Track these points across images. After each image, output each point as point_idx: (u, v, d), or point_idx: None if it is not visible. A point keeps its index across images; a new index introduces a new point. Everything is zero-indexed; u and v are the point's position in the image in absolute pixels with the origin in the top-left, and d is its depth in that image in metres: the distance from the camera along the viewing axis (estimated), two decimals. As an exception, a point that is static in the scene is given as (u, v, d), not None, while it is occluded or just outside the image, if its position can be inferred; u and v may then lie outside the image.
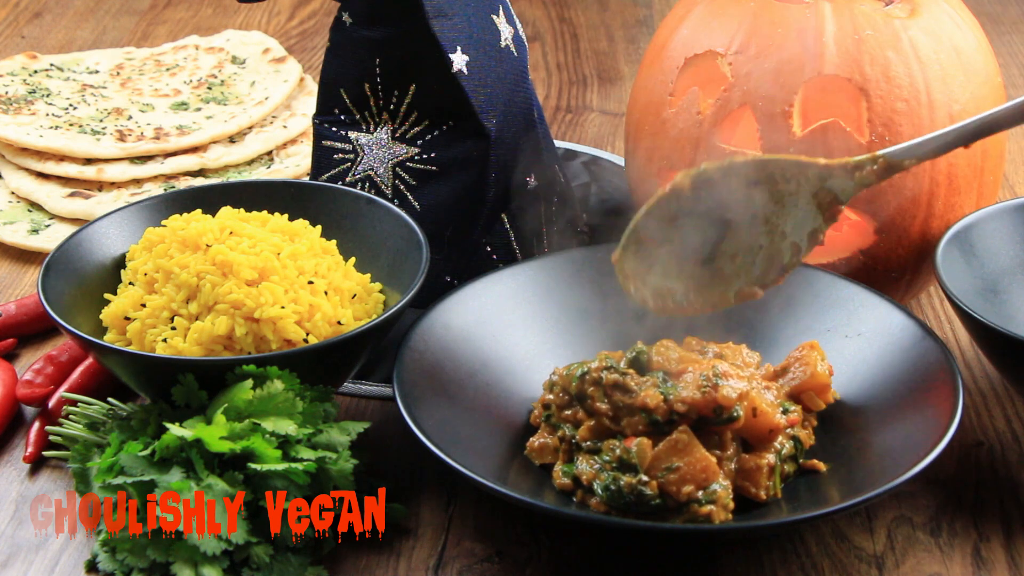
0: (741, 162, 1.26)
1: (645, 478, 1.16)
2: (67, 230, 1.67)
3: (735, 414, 1.18)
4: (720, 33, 1.43)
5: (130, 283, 1.33)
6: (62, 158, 1.76)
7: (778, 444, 1.21)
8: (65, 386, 1.36)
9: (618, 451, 1.18)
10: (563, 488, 1.21)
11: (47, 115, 1.84)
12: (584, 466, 1.20)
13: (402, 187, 1.45)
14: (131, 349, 1.27)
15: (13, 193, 1.76)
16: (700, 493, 1.15)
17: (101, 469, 1.17)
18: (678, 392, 1.18)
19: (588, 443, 1.21)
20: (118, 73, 2.02)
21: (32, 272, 1.62)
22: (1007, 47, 2.21)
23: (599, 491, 1.17)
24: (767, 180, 1.25)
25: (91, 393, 1.35)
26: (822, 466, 1.23)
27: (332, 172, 1.48)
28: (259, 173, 1.79)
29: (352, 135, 1.46)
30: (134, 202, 1.43)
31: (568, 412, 1.24)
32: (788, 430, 1.23)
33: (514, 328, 1.35)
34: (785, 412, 1.23)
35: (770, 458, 1.20)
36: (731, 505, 1.17)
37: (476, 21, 1.43)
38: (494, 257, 1.46)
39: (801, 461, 1.24)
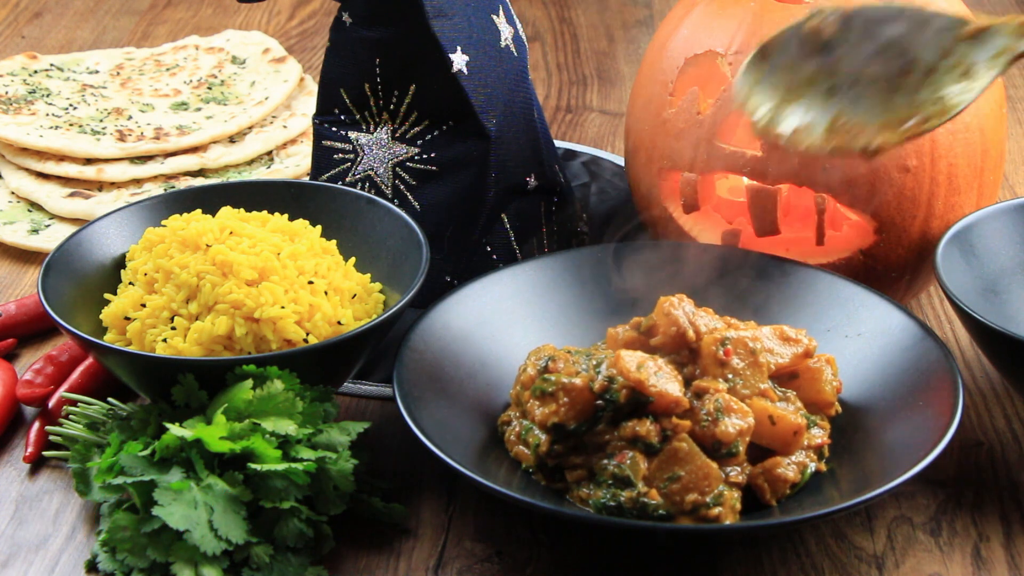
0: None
1: (644, 489, 1.15)
2: (67, 230, 1.67)
3: (734, 450, 1.17)
4: (720, 33, 1.43)
5: (130, 283, 1.33)
6: (62, 158, 1.76)
7: (807, 460, 1.21)
8: (65, 386, 1.36)
9: (611, 468, 1.17)
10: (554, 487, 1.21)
11: (47, 115, 1.84)
12: (582, 490, 1.19)
13: (402, 187, 1.45)
14: (131, 349, 1.27)
15: (13, 193, 1.76)
16: (707, 499, 1.15)
17: (101, 469, 1.17)
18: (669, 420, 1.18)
19: (584, 481, 1.20)
20: (118, 73, 2.02)
21: (32, 272, 1.62)
22: (1007, 47, 2.21)
23: (595, 509, 1.17)
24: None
25: (91, 393, 1.35)
26: (823, 466, 1.23)
27: (332, 172, 1.48)
28: (259, 173, 1.79)
29: (352, 135, 1.46)
30: (134, 202, 1.43)
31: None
32: (816, 441, 1.22)
33: (514, 328, 1.35)
34: (809, 424, 1.22)
35: (798, 473, 1.19)
36: (738, 507, 1.16)
37: (476, 21, 1.43)
38: (494, 257, 1.46)
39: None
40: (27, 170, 1.77)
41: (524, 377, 1.25)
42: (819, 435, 1.22)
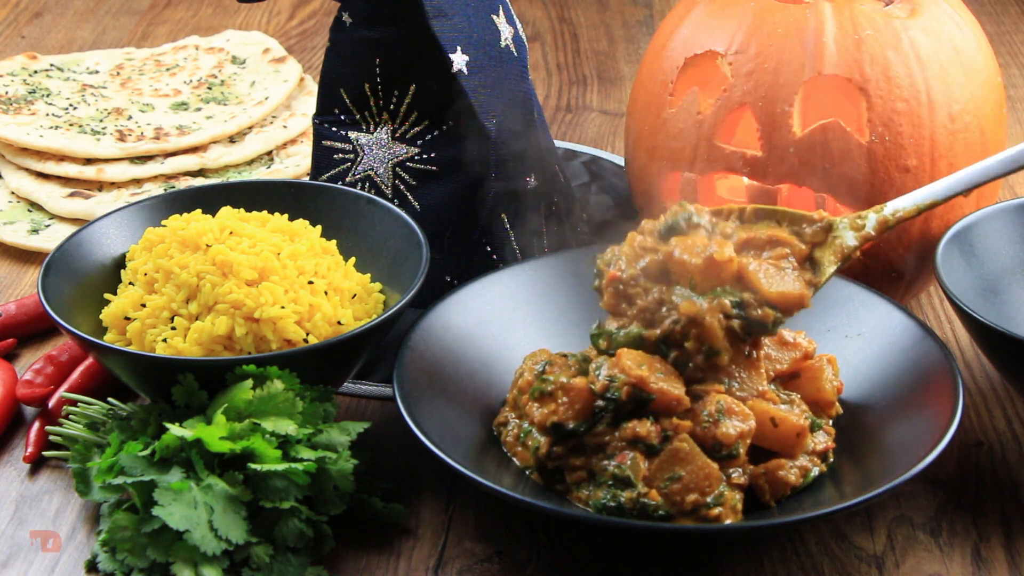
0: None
1: (644, 489, 1.15)
2: (67, 230, 1.67)
3: (735, 452, 1.17)
4: (720, 33, 1.43)
5: (130, 283, 1.33)
6: (62, 158, 1.76)
7: (810, 464, 1.21)
8: (65, 386, 1.36)
9: (611, 468, 1.17)
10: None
11: (47, 115, 1.84)
12: (582, 491, 1.19)
13: (402, 187, 1.45)
14: (131, 349, 1.27)
15: (13, 193, 1.76)
16: (707, 499, 1.15)
17: (101, 469, 1.17)
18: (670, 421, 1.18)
19: (584, 482, 1.20)
20: (118, 73, 2.02)
21: (32, 272, 1.62)
22: (1007, 47, 2.21)
23: (596, 509, 1.17)
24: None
25: (91, 393, 1.35)
26: (825, 468, 1.23)
27: (332, 172, 1.48)
28: (259, 173, 1.79)
29: (352, 135, 1.46)
30: (134, 202, 1.43)
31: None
32: (820, 446, 1.22)
33: (514, 328, 1.35)
34: (813, 427, 1.22)
35: (800, 477, 1.19)
36: (739, 507, 1.16)
37: (476, 21, 1.43)
38: (494, 257, 1.46)
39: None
40: (27, 170, 1.77)
41: (521, 382, 1.25)
42: (823, 440, 1.22)
